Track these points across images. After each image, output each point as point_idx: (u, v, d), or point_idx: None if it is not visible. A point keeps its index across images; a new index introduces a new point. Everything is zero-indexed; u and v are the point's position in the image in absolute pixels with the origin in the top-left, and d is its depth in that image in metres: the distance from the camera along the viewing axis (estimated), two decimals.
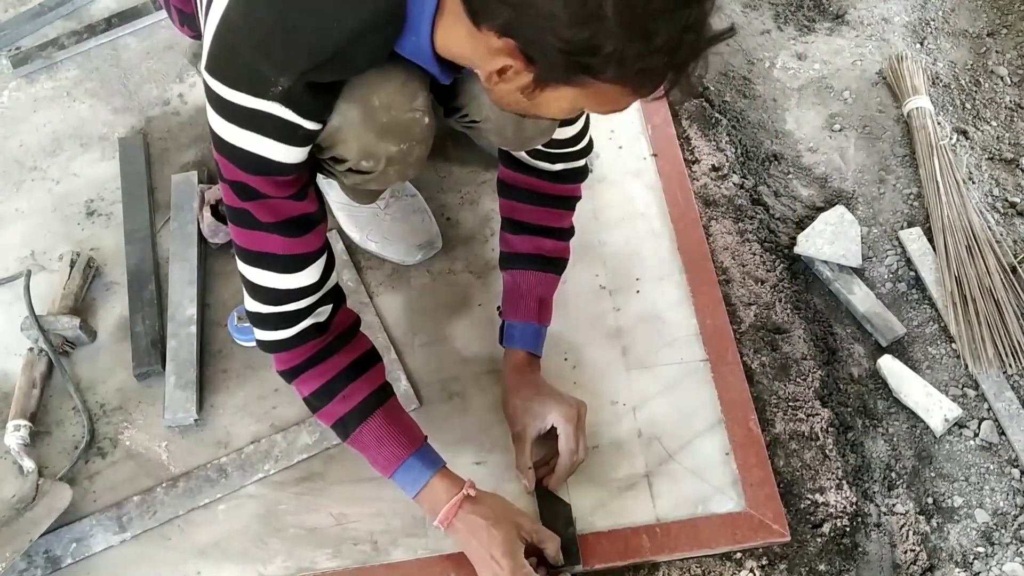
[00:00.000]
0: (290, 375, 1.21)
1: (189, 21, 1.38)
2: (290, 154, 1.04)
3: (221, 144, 1.04)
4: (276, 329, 1.17)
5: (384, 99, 1.07)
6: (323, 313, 1.19)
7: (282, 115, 1.00)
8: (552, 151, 1.35)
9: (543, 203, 1.40)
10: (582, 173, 1.43)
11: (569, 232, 1.44)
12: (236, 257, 1.15)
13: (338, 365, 1.20)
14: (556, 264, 1.42)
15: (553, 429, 1.35)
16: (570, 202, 1.44)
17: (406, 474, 1.23)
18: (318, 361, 1.20)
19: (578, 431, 1.33)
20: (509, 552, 1.20)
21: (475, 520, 1.22)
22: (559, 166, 1.38)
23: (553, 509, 1.34)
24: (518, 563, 1.20)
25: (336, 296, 1.22)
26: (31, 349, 1.50)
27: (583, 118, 1.35)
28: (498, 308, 1.44)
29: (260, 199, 1.07)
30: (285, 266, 1.12)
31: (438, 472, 1.24)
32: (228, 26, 0.98)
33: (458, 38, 0.97)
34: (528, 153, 1.35)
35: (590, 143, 1.40)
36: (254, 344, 1.50)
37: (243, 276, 1.15)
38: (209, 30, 0.99)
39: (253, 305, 1.17)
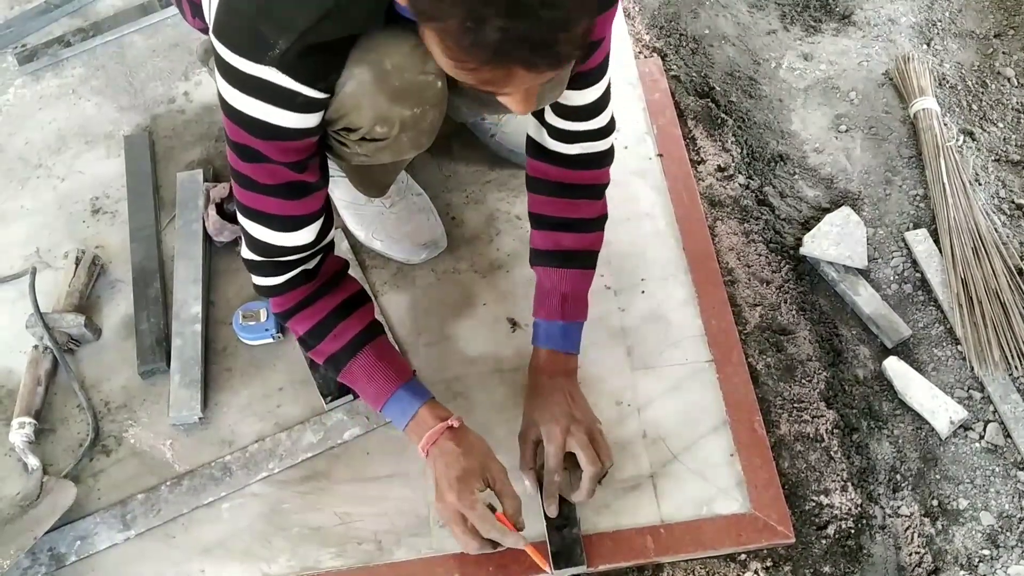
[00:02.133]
0: (284, 316, 1.27)
1: (202, 13, 1.37)
2: (294, 120, 1.06)
3: (227, 108, 1.07)
4: (267, 276, 1.23)
5: (396, 61, 1.07)
6: (312, 261, 1.24)
7: (279, 81, 1.02)
8: (568, 128, 1.31)
9: (561, 194, 1.37)
10: (604, 157, 1.38)
11: (594, 222, 1.40)
12: (236, 207, 1.19)
13: (327, 306, 1.26)
14: (578, 258, 1.38)
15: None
16: (593, 190, 1.39)
17: (396, 404, 1.27)
18: (308, 303, 1.25)
19: (561, 451, 1.31)
20: (463, 480, 1.22)
21: (449, 446, 1.24)
22: (577, 148, 1.34)
23: (558, 510, 1.34)
24: (467, 490, 1.21)
25: (327, 247, 1.27)
26: (36, 347, 1.50)
27: (599, 88, 1.29)
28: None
29: (262, 162, 1.10)
30: (282, 225, 1.18)
31: (427, 402, 1.27)
32: None
33: None
34: (548, 133, 1.33)
35: (611, 124, 1.35)
36: (259, 343, 1.51)
37: (241, 226, 1.21)
38: None
39: (247, 253, 1.23)
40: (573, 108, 1.29)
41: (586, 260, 1.40)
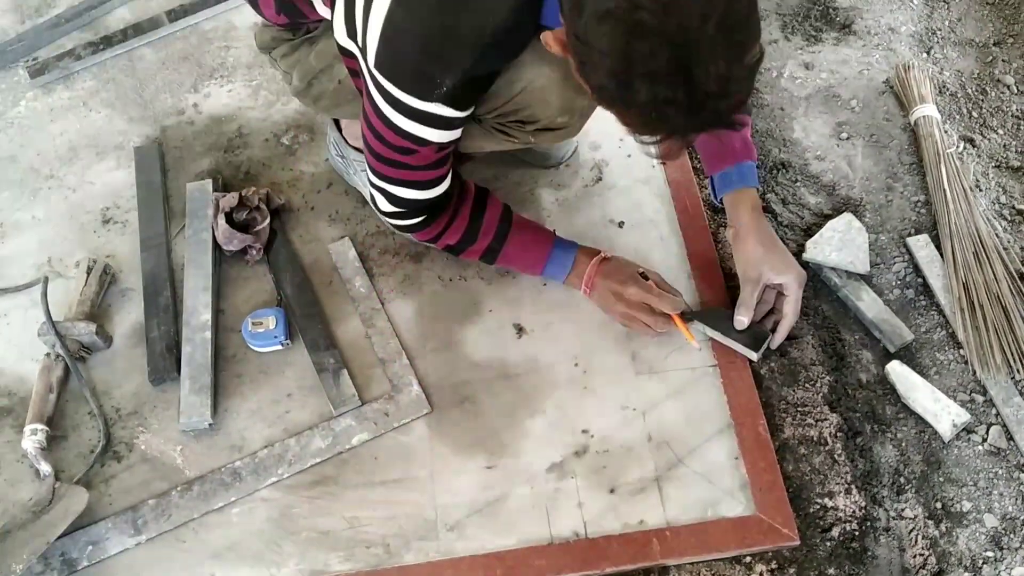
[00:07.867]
0: (432, 240, 1.45)
1: (288, 9, 1.36)
2: (445, 136, 1.21)
3: (389, 123, 1.18)
4: (409, 218, 1.38)
5: None
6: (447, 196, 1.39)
7: (443, 113, 1.14)
8: None
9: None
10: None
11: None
12: (369, 173, 1.33)
13: (467, 213, 1.42)
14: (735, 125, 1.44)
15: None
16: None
17: (555, 263, 1.49)
18: (452, 221, 1.41)
19: (799, 303, 1.47)
20: (633, 280, 1.46)
21: (600, 280, 1.48)
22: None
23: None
24: (641, 285, 1.45)
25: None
26: (48, 354, 1.52)
27: None
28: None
29: (415, 155, 1.24)
30: (423, 186, 1.32)
31: (579, 249, 1.50)
32: (393, 27, 1.06)
33: None
34: None
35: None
36: (268, 349, 1.52)
37: (378, 187, 1.34)
38: (373, 29, 1.08)
39: (386, 206, 1.37)
40: None
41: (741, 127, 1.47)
